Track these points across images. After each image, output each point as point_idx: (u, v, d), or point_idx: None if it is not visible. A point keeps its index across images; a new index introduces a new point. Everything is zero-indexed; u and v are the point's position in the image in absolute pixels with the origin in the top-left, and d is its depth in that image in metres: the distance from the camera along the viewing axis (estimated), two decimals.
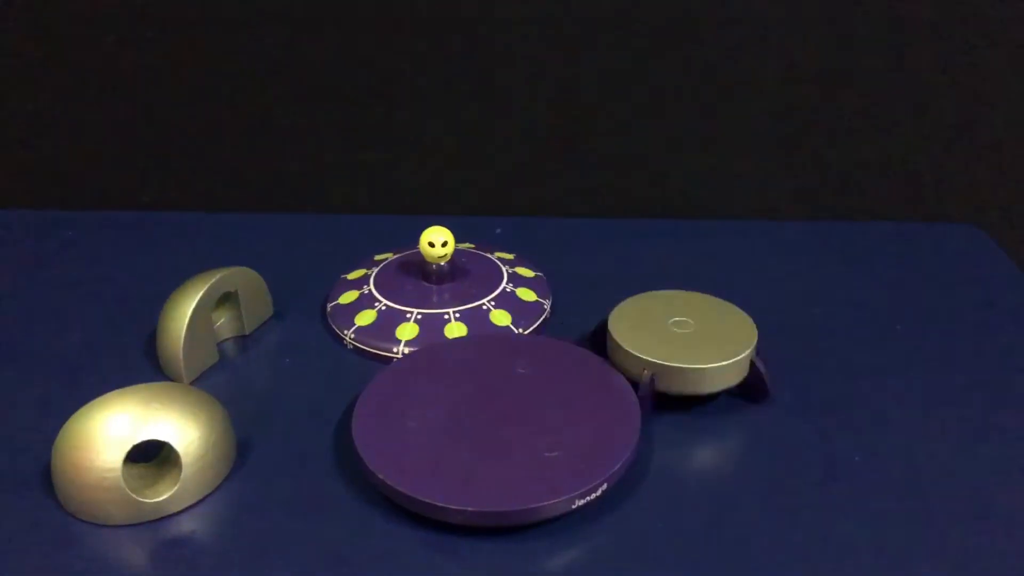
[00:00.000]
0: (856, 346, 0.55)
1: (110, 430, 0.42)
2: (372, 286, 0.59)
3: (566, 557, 0.41)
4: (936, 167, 0.73)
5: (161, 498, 0.43)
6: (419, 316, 0.56)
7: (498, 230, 0.70)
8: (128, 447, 0.42)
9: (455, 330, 0.55)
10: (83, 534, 0.42)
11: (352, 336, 0.56)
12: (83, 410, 0.43)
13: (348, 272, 0.62)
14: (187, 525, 0.43)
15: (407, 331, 0.55)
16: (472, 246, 0.65)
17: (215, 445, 0.44)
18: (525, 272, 0.62)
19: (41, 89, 0.73)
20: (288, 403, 0.51)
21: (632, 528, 0.42)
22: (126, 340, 0.56)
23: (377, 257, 0.64)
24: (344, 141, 0.74)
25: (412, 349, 0.54)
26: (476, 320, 0.56)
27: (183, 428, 0.43)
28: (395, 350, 0.54)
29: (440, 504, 0.41)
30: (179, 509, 0.44)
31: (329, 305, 0.59)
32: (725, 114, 0.72)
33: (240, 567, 0.40)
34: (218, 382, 0.53)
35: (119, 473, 0.42)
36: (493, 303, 0.57)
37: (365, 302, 0.58)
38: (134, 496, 0.42)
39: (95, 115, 0.74)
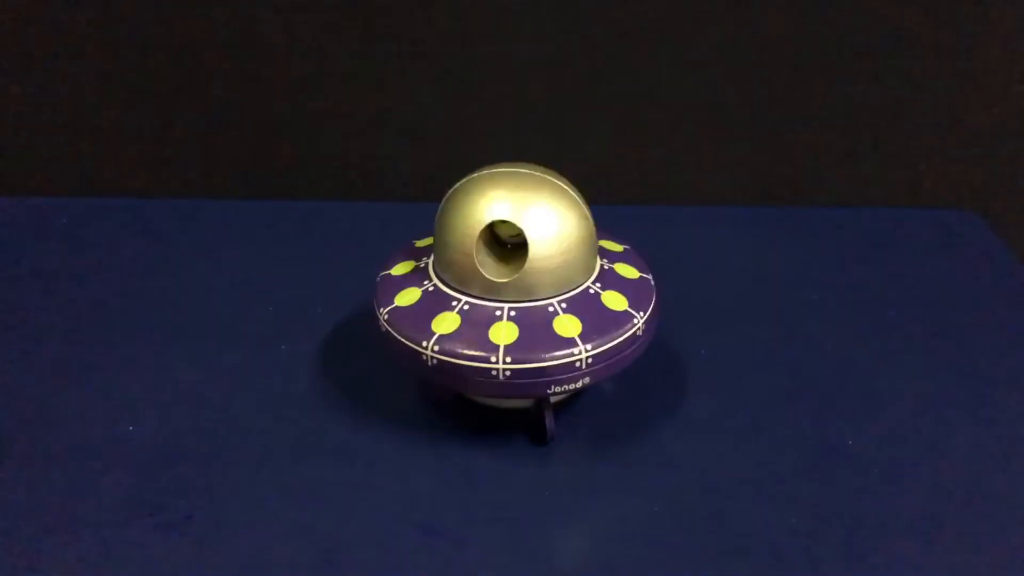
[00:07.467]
0: (849, 331, 0.54)
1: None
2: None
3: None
4: (931, 152, 0.72)
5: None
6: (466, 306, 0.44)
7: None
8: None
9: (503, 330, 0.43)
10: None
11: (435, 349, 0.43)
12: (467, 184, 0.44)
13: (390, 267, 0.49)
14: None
15: (446, 323, 0.43)
16: None
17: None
18: (612, 247, 0.50)
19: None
20: None
21: (619, 510, 0.42)
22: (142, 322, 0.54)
23: (418, 243, 0.50)
24: (340, 126, 0.73)
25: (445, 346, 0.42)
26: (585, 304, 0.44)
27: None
28: (424, 345, 0.42)
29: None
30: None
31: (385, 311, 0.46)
32: (714, 97, 0.70)
33: None
34: None
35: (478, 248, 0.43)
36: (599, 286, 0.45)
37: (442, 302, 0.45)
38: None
39: (87, 100, 0.71)
